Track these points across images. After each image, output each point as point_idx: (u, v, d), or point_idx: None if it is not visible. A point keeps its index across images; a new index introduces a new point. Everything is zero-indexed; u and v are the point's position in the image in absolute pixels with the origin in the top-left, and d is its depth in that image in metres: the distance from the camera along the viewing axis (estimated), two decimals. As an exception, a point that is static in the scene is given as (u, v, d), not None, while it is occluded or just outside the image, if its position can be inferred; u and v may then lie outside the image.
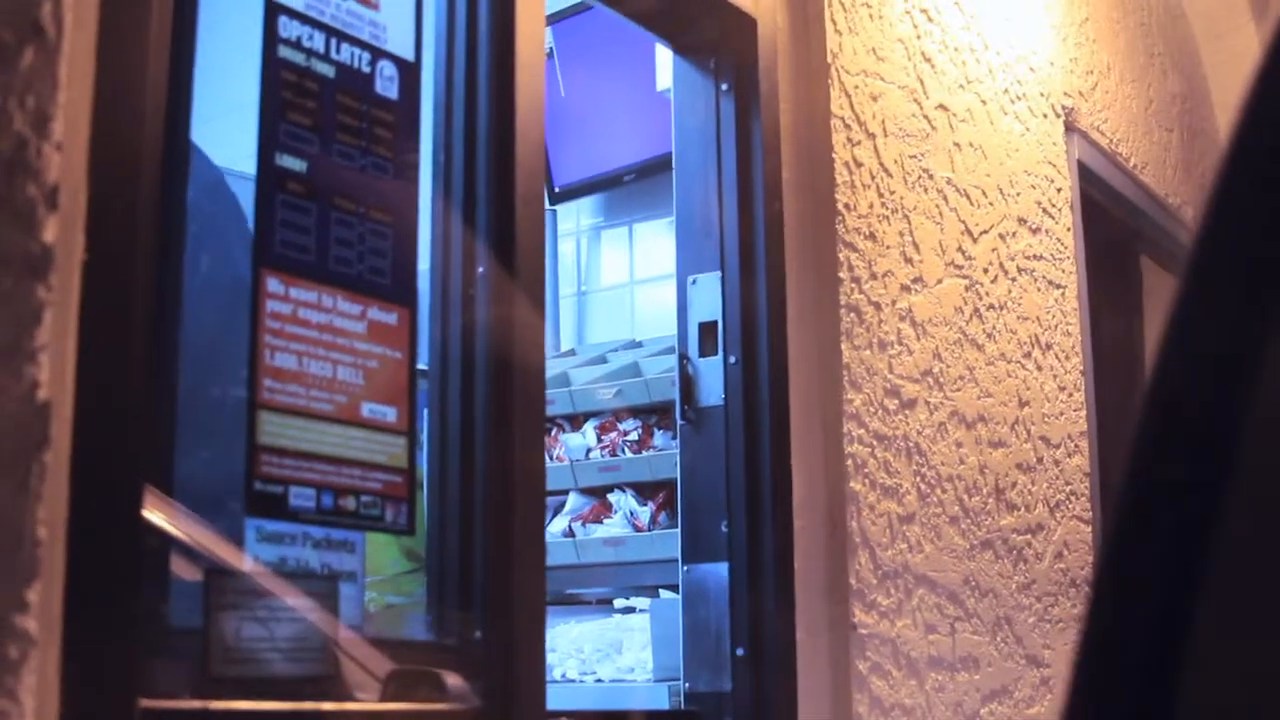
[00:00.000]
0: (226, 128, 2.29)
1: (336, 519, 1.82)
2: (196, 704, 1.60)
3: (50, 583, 1.32)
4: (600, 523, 3.81)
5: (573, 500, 3.90)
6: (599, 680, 3.57)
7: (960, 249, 3.44)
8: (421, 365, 2.07)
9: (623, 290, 5.09)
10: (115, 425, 1.46)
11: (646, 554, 3.66)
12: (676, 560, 2.85)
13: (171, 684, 1.62)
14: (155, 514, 1.64)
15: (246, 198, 1.80)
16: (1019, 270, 3.75)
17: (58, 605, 1.34)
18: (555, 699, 2.23)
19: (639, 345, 4.53)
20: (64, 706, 1.35)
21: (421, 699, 1.93)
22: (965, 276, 3.45)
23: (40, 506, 1.29)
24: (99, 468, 1.42)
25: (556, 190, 4.87)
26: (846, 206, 2.97)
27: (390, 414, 1.90)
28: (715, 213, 2.83)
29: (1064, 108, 4.22)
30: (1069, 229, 4.15)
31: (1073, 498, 3.93)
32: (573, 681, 3.58)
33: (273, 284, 1.77)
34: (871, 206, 3.06)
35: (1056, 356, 3.93)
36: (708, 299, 2.81)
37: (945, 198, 3.39)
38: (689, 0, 2.86)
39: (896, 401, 3.06)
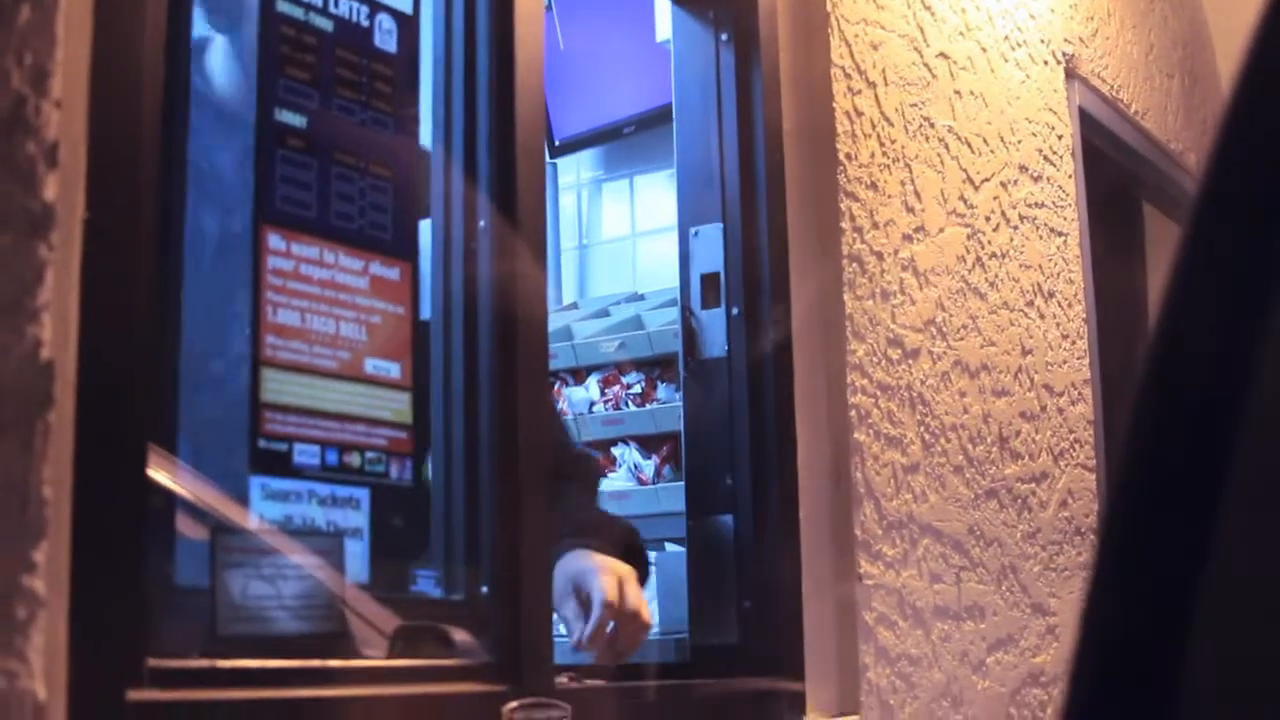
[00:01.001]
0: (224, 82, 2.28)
1: (341, 475, 1.82)
2: (204, 663, 1.60)
3: (57, 542, 1.31)
4: (605, 476, 3.81)
5: (576, 454, 3.89)
6: (605, 634, 3.57)
7: (962, 197, 3.43)
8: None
9: (624, 243, 5.08)
10: (119, 383, 1.45)
11: (651, 507, 3.66)
12: (681, 513, 2.85)
13: (179, 643, 1.61)
14: (160, 472, 1.64)
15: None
16: (1021, 218, 3.74)
17: (65, 565, 1.34)
18: (562, 654, 2.23)
19: (641, 298, 4.52)
20: (72, 666, 1.34)
21: (429, 654, 1.93)
22: (967, 225, 3.44)
23: (45, 466, 1.29)
24: (103, 426, 1.41)
25: (556, 144, 4.84)
26: (848, 156, 2.95)
27: (394, 369, 1.89)
28: (716, 164, 2.82)
29: (1064, 54, 4.20)
30: (1070, 176, 4.13)
31: (1076, 446, 3.93)
32: (579, 635, 3.59)
33: (274, 240, 1.76)
34: (873, 156, 3.04)
35: (1059, 304, 3.93)
36: (709, 251, 2.80)
37: (946, 146, 3.38)
38: (687, -50, 2.84)
39: (900, 351, 3.05)
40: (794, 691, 2.65)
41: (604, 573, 2.36)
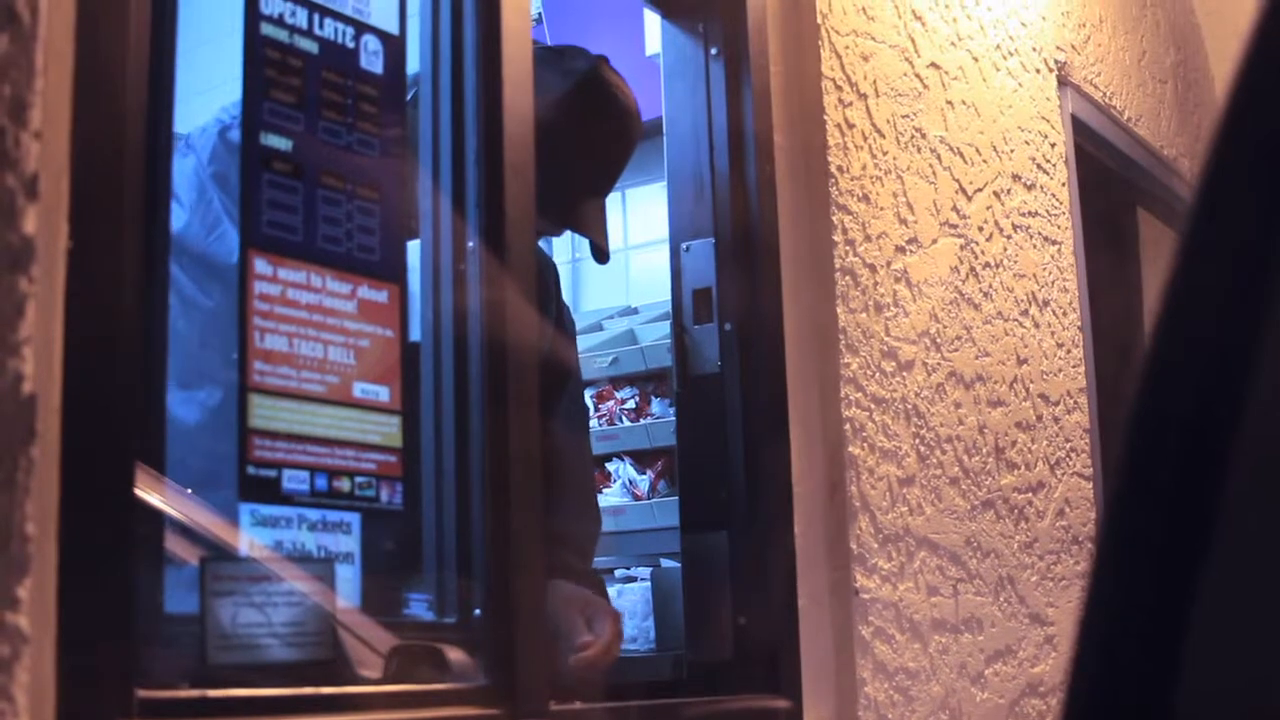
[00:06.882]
0: (209, 105, 2.27)
1: (331, 501, 1.81)
2: (194, 693, 1.59)
3: (42, 578, 1.30)
4: (599, 492, 3.80)
5: (572, 469, 3.88)
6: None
7: (955, 208, 3.42)
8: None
9: (617, 256, 5.05)
10: (105, 416, 1.44)
11: (646, 522, 3.65)
12: (676, 528, 2.84)
13: (168, 673, 1.60)
14: (148, 501, 1.63)
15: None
16: (1014, 227, 3.73)
17: (51, 600, 1.32)
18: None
19: (635, 312, 4.51)
20: (60, 703, 1.33)
21: (424, 677, 1.92)
22: (960, 235, 3.43)
23: (29, 501, 1.28)
24: (89, 460, 1.40)
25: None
26: (839, 169, 2.94)
27: (383, 393, 1.88)
28: (707, 178, 2.81)
29: (1057, 62, 4.19)
30: (1064, 184, 4.12)
31: (1073, 454, 3.92)
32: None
33: (260, 265, 1.75)
34: (864, 168, 3.04)
35: (1054, 313, 3.92)
36: (701, 266, 2.79)
37: (939, 157, 3.37)
38: (676, -36, 2.83)
39: (894, 363, 3.04)
40: (791, 707, 2.63)
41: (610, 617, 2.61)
